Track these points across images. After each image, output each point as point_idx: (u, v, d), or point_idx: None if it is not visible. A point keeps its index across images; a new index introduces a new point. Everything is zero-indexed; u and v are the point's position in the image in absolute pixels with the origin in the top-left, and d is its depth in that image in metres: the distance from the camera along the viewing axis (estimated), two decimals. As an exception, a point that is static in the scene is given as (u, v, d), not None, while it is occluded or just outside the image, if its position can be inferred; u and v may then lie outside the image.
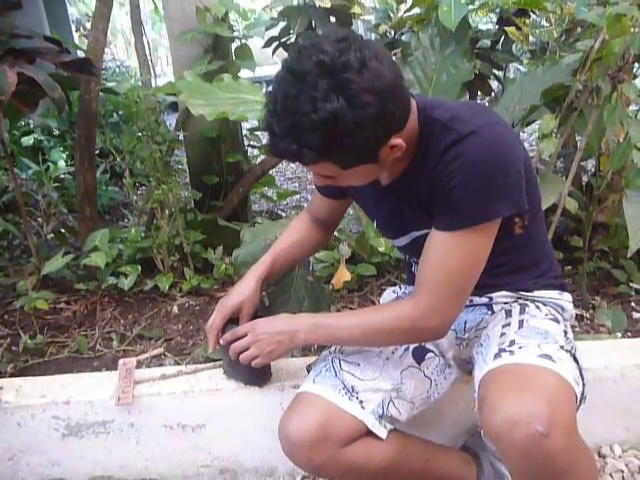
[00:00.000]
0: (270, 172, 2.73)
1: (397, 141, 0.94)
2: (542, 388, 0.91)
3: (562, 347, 1.02)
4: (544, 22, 2.06)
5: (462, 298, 1.05)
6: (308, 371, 1.24)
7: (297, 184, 4.03)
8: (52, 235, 2.59)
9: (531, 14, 2.15)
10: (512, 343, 1.03)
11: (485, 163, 0.94)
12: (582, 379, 1.00)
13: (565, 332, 1.10)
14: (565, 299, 1.20)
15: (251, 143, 2.78)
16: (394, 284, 2.07)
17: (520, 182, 0.98)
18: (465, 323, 1.23)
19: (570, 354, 1.02)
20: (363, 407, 1.10)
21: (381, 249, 2.07)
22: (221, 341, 1.21)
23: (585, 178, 2.33)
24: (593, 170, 2.23)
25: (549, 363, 0.95)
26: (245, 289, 1.25)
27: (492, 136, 0.96)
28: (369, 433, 1.11)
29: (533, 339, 1.03)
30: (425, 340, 1.16)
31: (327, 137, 0.87)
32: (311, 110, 0.85)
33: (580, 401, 0.98)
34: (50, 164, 3.08)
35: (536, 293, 1.17)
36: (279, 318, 1.16)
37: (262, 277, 1.27)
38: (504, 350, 1.02)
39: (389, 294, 1.39)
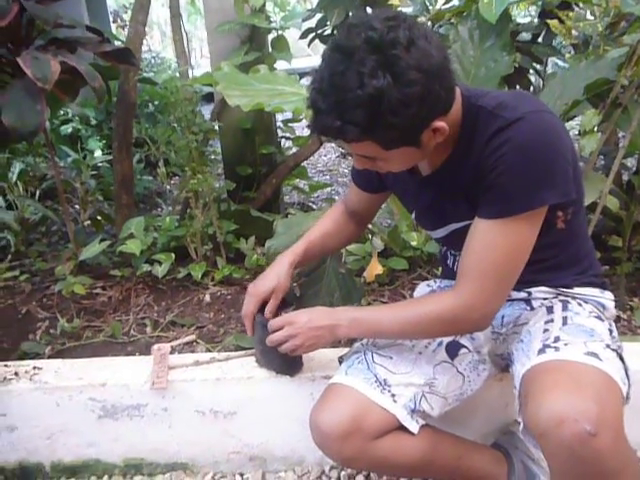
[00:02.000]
0: (302, 164, 2.74)
1: (440, 124, 0.93)
2: (590, 386, 0.89)
3: (608, 346, 1.00)
4: (588, 15, 2.01)
5: (506, 289, 1.03)
6: (340, 362, 1.24)
7: (329, 177, 4.02)
8: (89, 222, 2.64)
9: (575, 7, 2.10)
10: (557, 339, 1.01)
11: (533, 149, 0.93)
12: (628, 379, 0.98)
13: (610, 331, 1.08)
14: (607, 297, 1.17)
15: (285, 135, 2.79)
16: (426, 279, 2.06)
17: (568, 170, 0.97)
18: (502, 317, 1.21)
19: (616, 353, 1.00)
20: (395, 401, 1.10)
21: (413, 243, 2.06)
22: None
23: (626, 177, 2.28)
24: (635, 168, 2.18)
25: (596, 361, 0.93)
26: (278, 274, 1.26)
27: (540, 122, 0.95)
28: (401, 427, 1.11)
29: (579, 337, 1.01)
30: (467, 332, 1.14)
31: (372, 114, 0.86)
32: (357, 86, 0.85)
33: (625, 401, 0.96)
34: (87, 153, 3.15)
35: (576, 290, 1.15)
36: (317, 311, 1.15)
37: (294, 263, 1.28)
38: (549, 346, 1.00)
39: (423, 288, 1.38)
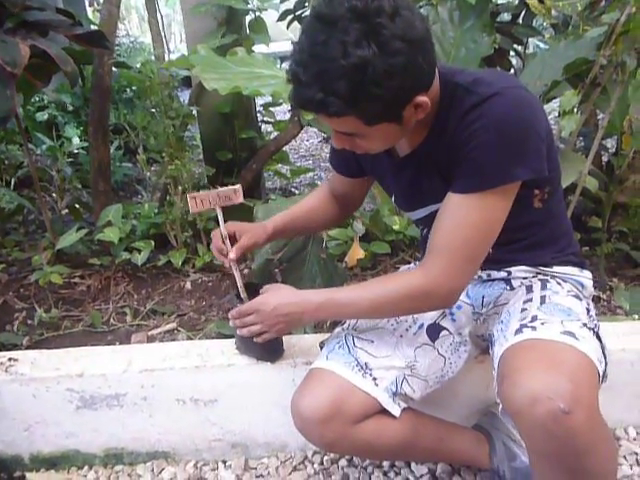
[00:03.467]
0: (284, 149, 2.71)
1: (423, 99, 0.91)
2: (565, 365, 0.89)
3: (585, 325, 1.00)
4: (568, -5, 2.00)
5: (475, 264, 1.02)
6: (321, 348, 1.23)
7: (311, 162, 4.00)
8: (66, 210, 2.60)
9: (554, -14, 2.09)
10: (534, 319, 1.01)
11: (507, 124, 0.92)
12: (605, 358, 0.98)
13: (588, 310, 1.08)
14: (585, 276, 1.17)
15: (265, 119, 2.75)
16: (408, 262, 2.06)
17: (541, 147, 0.96)
18: (483, 298, 1.21)
19: (593, 332, 1.00)
20: (377, 384, 1.10)
21: (395, 227, 2.05)
22: (230, 318, 1.20)
23: (606, 157, 2.29)
24: (614, 149, 2.19)
25: (572, 340, 0.93)
26: (255, 224, 1.26)
27: (515, 98, 0.94)
28: (382, 411, 1.11)
29: (556, 316, 1.01)
30: (435, 308, 1.13)
31: (355, 85, 0.84)
32: (341, 56, 0.82)
33: (602, 380, 0.96)
34: (64, 140, 3.08)
35: (556, 269, 1.15)
36: (285, 296, 1.12)
37: (274, 227, 1.27)
38: (525, 326, 0.99)
39: (404, 271, 1.37)
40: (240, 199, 1.19)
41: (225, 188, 1.18)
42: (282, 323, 1.11)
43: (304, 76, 0.86)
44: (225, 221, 1.20)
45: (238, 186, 1.19)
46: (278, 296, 1.13)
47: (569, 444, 0.86)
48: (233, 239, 1.21)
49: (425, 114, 0.95)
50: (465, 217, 0.97)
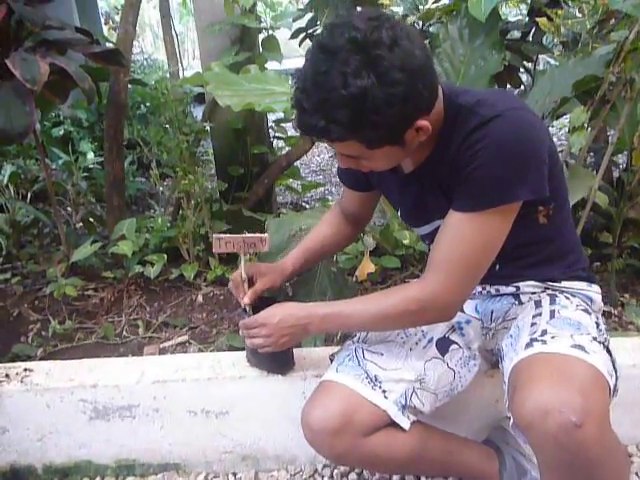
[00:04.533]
0: (295, 164, 2.74)
1: (423, 123, 0.94)
2: (576, 378, 0.90)
3: (595, 339, 1.01)
4: (577, 13, 2.02)
5: (472, 280, 1.04)
6: (331, 360, 1.24)
7: (322, 177, 4.03)
8: (81, 224, 2.63)
9: (563, 5, 2.11)
10: (544, 333, 1.02)
11: (508, 146, 0.94)
12: (615, 371, 0.99)
13: (597, 324, 1.09)
14: (594, 291, 1.18)
15: (277, 135, 2.79)
16: (418, 277, 2.06)
17: (542, 168, 0.97)
18: (492, 312, 1.22)
19: (603, 346, 1.00)
20: (386, 397, 1.10)
21: (405, 242, 2.06)
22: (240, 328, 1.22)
23: (616, 173, 2.29)
24: (624, 165, 2.19)
25: (582, 354, 0.94)
26: (273, 265, 1.29)
27: (517, 120, 0.96)
28: (392, 423, 1.11)
29: (566, 330, 1.02)
30: (433, 322, 1.14)
31: (355, 113, 0.87)
32: (341, 86, 0.85)
33: (613, 393, 0.96)
34: (79, 155, 3.13)
35: (564, 284, 1.16)
36: (289, 310, 1.14)
37: (295, 264, 1.31)
38: (536, 340, 1.00)
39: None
40: (265, 248, 1.21)
41: (252, 235, 1.20)
42: (287, 335, 1.13)
43: (307, 104, 0.90)
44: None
45: (266, 235, 1.21)
46: (284, 309, 1.15)
47: (580, 457, 0.86)
48: (250, 281, 1.25)
49: (427, 136, 0.97)
50: (463, 234, 0.99)
